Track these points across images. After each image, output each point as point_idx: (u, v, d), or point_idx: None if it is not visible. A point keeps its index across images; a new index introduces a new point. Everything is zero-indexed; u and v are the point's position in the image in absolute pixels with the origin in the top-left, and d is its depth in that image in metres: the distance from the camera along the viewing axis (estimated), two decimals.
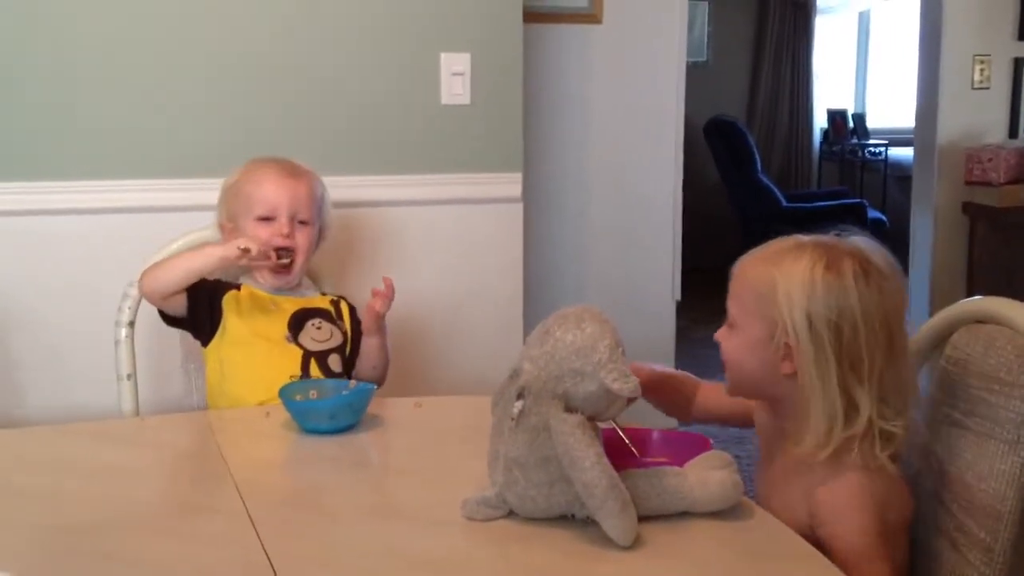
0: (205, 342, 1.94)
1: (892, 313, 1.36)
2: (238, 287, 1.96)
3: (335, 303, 2.02)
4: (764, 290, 1.37)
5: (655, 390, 1.65)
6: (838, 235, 1.42)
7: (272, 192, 1.95)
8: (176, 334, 2.08)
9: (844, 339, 1.33)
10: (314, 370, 1.91)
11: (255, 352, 1.90)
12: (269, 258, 1.90)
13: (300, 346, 1.91)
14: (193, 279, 1.88)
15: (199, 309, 1.91)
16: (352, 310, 2.04)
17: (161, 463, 1.60)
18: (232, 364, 1.91)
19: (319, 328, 1.94)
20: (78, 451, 1.61)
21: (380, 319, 1.95)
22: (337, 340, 1.96)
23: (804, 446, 1.34)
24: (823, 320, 1.33)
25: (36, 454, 1.62)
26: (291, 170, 1.99)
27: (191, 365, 2.10)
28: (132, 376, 2.01)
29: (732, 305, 1.43)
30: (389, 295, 1.93)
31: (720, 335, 1.46)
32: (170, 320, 1.95)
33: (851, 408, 1.33)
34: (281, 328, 1.92)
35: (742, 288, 1.42)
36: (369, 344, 1.98)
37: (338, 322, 1.99)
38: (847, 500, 1.31)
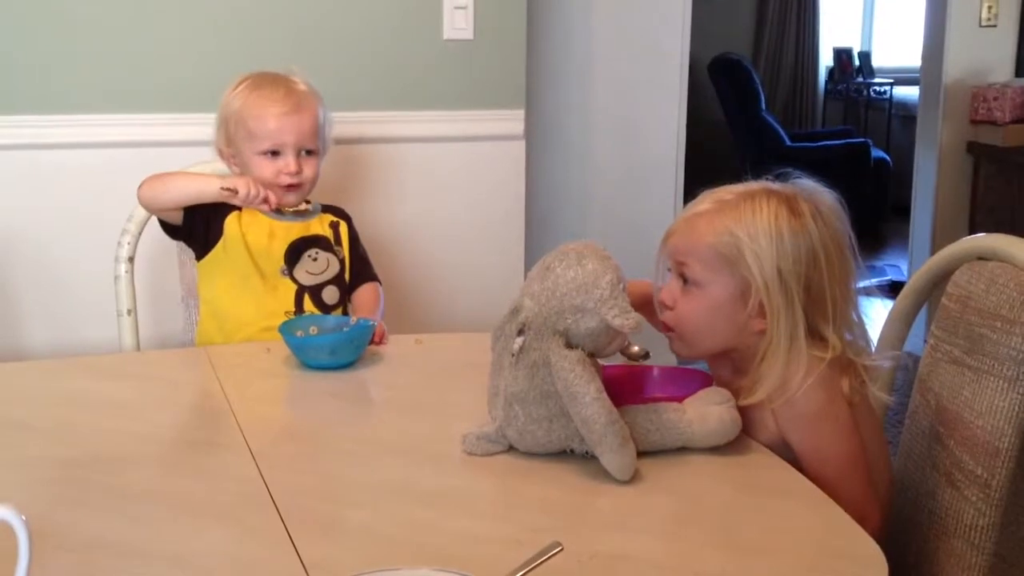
0: (199, 255, 1.92)
1: (845, 247, 1.38)
2: (240, 208, 1.90)
3: (335, 226, 1.98)
4: (728, 248, 1.34)
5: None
6: (769, 179, 1.41)
7: (276, 128, 1.90)
8: (176, 269, 2.08)
9: (813, 287, 1.34)
10: (308, 305, 1.90)
11: (249, 287, 1.88)
12: (267, 202, 1.86)
13: (295, 280, 1.90)
14: (189, 203, 1.87)
15: (195, 223, 1.89)
16: (352, 232, 2.01)
17: (163, 398, 1.60)
18: (226, 297, 1.90)
19: (315, 260, 1.91)
20: (80, 385, 1.61)
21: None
22: (334, 270, 1.93)
23: (756, 397, 1.34)
24: (792, 274, 1.33)
25: (37, 388, 1.62)
26: (296, 102, 1.92)
27: (191, 300, 2.09)
28: (132, 311, 2.01)
29: (690, 264, 1.38)
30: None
31: (672, 297, 1.40)
32: (168, 229, 1.94)
33: (821, 349, 1.34)
34: (277, 259, 1.90)
35: (699, 246, 1.37)
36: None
37: (336, 248, 1.96)
38: (801, 381, 1.32)
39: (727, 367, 1.44)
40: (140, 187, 1.90)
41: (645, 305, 1.47)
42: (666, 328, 1.43)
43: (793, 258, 1.33)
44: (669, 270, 1.43)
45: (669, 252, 1.42)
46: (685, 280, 1.39)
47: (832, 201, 1.40)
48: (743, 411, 1.33)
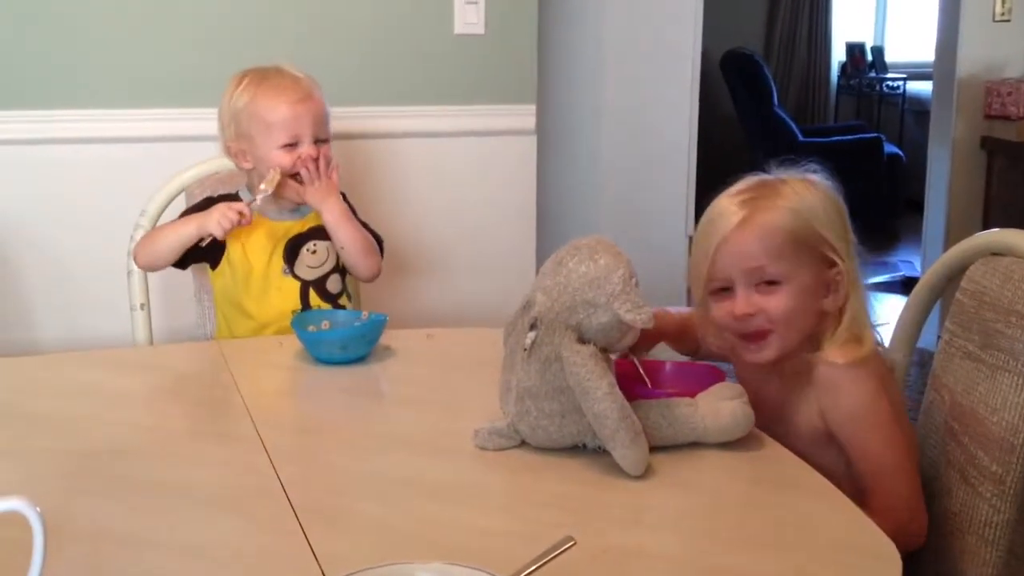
0: (213, 265, 1.94)
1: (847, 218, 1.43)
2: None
3: None
4: (802, 232, 1.35)
5: (679, 338, 1.59)
6: (765, 172, 1.44)
7: (293, 116, 1.88)
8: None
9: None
10: (313, 299, 1.92)
11: (253, 295, 1.90)
12: (243, 217, 1.84)
13: (297, 277, 1.91)
14: (184, 250, 1.87)
15: (197, 249, 1.89)
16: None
17: (175, 391, 1.61)
18: (237, 305, 1.92)
19: (314, 252, 1.93)
20: (94, 378, 1.62)
21: (324, 195, 1.90)
22: (334, 258, 1.95)
23: (835, 341, 1.36)
24: (845, 239, 1.39)
25: (52, 381, 1.63)
26: (306, 90, 1.92)
27: (204, 295, 2.10)
28: (145, 306, 2.02)
29: (767, 264, 1.35)
30: (322, 174, 1.89)
31: (752, 305, 1.36)
32: (177, 264, 1.93)
33: (855, 349, 1.37)
34: (277, 260, 1.91)
35: (769, 241, 1.35)
36: (328, 225, 1.92)
37: None
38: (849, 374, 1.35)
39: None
40: (135, 257, 1.93)
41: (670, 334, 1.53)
42: (757, 337, 1.38)
43: (844, 225, 1.40)
44: (722, 289, 1.40)
45: (726, 267, 1.38)
46: (757, 285, 1.37)
47: (821, 178, 1.43)
48: (787, 399, 1.36)
